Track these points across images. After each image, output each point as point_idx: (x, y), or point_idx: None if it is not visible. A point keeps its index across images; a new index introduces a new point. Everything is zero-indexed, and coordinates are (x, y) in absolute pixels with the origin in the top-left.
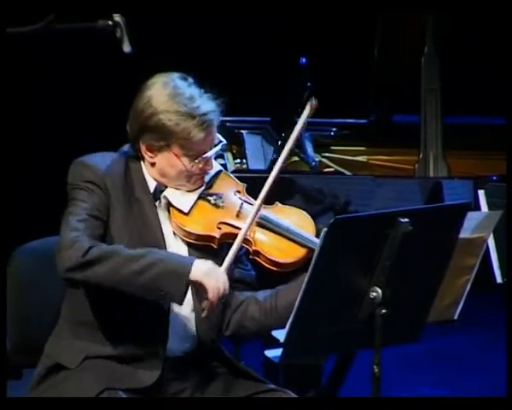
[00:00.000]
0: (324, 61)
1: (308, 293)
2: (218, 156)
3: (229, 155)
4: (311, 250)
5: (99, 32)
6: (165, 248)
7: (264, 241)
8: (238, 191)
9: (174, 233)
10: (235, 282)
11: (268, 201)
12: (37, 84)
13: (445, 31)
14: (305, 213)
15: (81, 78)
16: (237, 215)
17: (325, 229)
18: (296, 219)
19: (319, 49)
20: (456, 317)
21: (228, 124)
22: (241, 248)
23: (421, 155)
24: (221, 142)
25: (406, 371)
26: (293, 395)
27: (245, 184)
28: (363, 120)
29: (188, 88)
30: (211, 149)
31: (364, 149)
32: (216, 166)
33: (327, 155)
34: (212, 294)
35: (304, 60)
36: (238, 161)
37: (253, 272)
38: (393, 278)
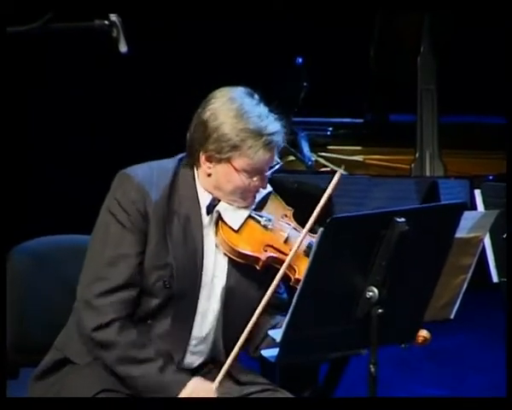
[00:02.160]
0: (321, 61)
1: (304, 293)
2: None
3: None
4: None
5: (95, 31)
6: (202, 266)
7: None
8: (286, 215)
9: (216, 246)
10: (267, 306)
11: (314, 230)
12: (33, 84)
13: (442, 30)
14: None
15: (78, 77)
16: (285, 242)
17: (321, 229)
18: None
19: (315, 49)
20: (452, 316)
21: None
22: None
23: (417, 155)
24: (278, 162)
25: (403, 370)
26: (289, 395)
27: (292, 209)
28: (359, 120)
29: (256, 106)
30: (269, 168)
31: (361, 149)
32: (267, 187)
33: (323, 154)
34: None
35: (300, 60)
36: None
37: (285, 295)
38: (390, 277)
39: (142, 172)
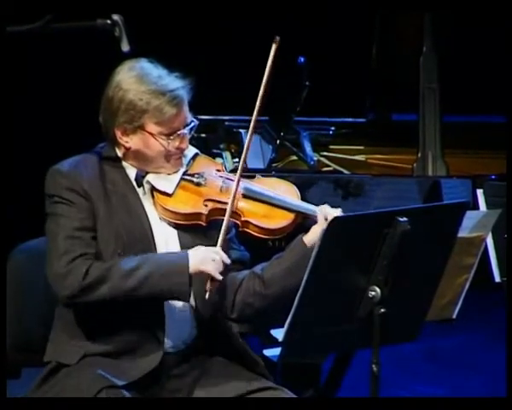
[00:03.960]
0: (323, 61)
1: (307, 292)
2: (217, 155)
3: (227, 154)
4: (298, 215)
5: (97, 31)
6: (153, 234)
7: (251, 210)
8: (218, 170)
9: (160, 218)
10: (232, 263)
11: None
12: (35, 83)
13: (444, 29)
14: (287, 181)
15: (79, 77)
16: (221, 190)
17: (324, 227)
18: (280, 188)
19: (317, 49)
20: (454, 316)
21: (226, 123)
22: (230, 225)
23: (419, 154)
24: (193, 121)
25: (403, 370)
26: (291, 394)
27: (222, 160)
28: (361, 119)
29: (155, 68)
30: (184, 127)
31: (363, 148)
32: (192, 149)
33: (325, 154)
34: (214, 275)
35: (302, 59)
36: (237, 160)
37: (247, 252)
38: (392, 276)
39: (67, 162)
